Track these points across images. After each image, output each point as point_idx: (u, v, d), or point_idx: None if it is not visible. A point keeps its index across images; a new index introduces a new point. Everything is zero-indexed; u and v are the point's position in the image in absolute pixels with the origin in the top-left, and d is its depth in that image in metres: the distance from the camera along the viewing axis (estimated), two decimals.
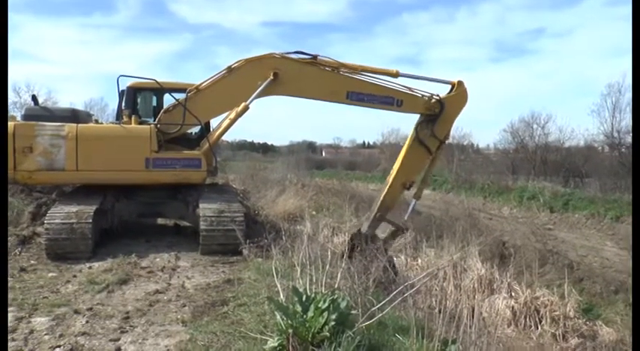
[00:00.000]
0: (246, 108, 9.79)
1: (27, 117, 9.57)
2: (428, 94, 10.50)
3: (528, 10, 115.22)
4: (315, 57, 10.08)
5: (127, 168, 9.32)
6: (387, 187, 10.98)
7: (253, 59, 9.99)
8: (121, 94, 10.97)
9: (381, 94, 10.44)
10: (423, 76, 10.69)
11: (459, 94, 10.65)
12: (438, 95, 10.46)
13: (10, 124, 8.92)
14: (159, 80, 10.25)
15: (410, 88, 10.48)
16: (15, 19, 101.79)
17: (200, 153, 9.82)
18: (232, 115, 9.89)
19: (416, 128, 10.69)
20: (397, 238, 11.49)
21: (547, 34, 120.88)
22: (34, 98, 11.27)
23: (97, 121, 11.85)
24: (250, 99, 9.82)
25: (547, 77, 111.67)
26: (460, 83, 10.61)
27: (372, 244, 9.72)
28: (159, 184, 9.80)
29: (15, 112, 42.20)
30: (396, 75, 10.35)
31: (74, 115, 9.97)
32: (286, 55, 10.03)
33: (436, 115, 10.43)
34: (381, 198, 10.92)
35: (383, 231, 10.87)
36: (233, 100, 9.84)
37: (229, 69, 9.95)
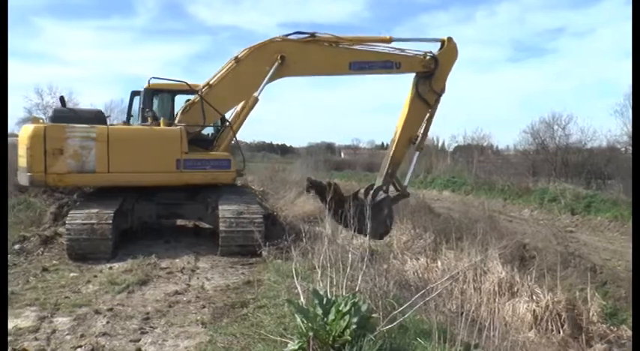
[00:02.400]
0: (256, 100, 10.30)
1: (55, 118, 9.40)
2: (422, 53, 11.47)
3: (547, 10, 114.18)
4: (313, 34, 10.67)
5: (158, 169, 9.39)
6: (395, 143, 11.84)
7: (257, 46, 10.35)
8: (131, 95, 11.17)
9: (380, 59, 11.28)
10: (414, 38, 11.82)
11: (449, 49, 11.71)
12: (431, 52, 11.47)
13: (41, 126, 8.94)
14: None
15: (404, 50, 11.41)
16: (37, 23, 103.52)
17: (229, 154, 10.13)
18: (244, 111, 10.31)
19: (415, 86, 11.65)
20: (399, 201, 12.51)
21: (567, 34, 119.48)
22: (62, 99, 11.20)
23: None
24: (261, 87, 10.26)
25: (567, 77, 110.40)
26: (450, 39, 11.64)
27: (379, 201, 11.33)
28: (188, 185, 9.83)
29: (38, 114, 42.86)
30: (389, 41, 11.26)
31: (101, 117, 9.93)
32: (287, 38, 10.57)
33: (432, 71, 11.44)
34: (391, 154, 11.84)
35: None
36: (245, 90, 10.24)
37: (236, 59, 10.27)
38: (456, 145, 50.49)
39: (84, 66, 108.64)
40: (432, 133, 62.29)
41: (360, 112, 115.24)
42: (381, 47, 11.29)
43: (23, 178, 9.05)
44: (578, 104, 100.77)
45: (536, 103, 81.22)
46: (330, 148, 75.48)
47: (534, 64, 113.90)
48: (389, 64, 11.42)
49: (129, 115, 11.81)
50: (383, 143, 74.19)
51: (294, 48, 10.59)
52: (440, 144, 52.69)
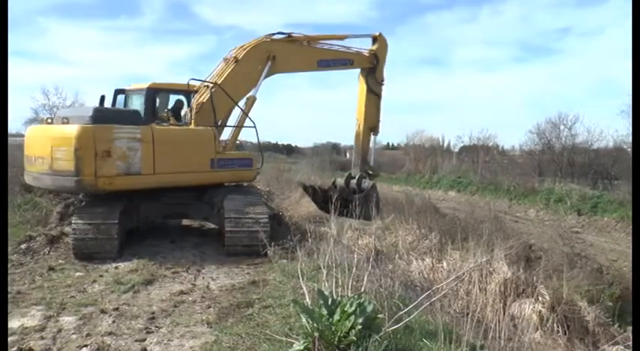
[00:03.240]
0: (254, 99, 11.11)
1: (96, 118, 8.73)
2: (366, 50, 13.69)
3: (554, 9, 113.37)
4: (290, 34, 11.95)
5: (196, 169, 9.55)
6: (360, 136, 14.29)
7: (253, 46, 11.09)
8: (115, 94, 11.17)
9: (340, 57, 13.30)
10: (352, 34, 13.83)
11: (382, 43, 14.08)
12: (372, 50, 13.81)
13: (89, 126, 8.47)
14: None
15: (348, 48, 13.50)
16: (43, 23, 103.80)
17: (250, 153, 10.97)
18: (246, 110, 10.97)
19: (366, 82, 13.95)
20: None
21: (573, 34, 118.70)
22: (102, 99, 11.02)
23: None
24: (257, 86, 11.17)
25: (573, 77, 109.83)
26: (380, 35, 13.99)
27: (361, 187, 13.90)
28: (218, 184, 10.17)
29: (44, 114, 43.02)
30: (343, 38, 13.27)
31: (137, 117, 9.68)
32: (274, 38, 11.66)
33: (375, 66, 13.84)
34: (360, 145, 14.38)
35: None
36: (245, 86, 11.05)
37: (235, 59, 10.94)
38: (462, 145, 50.29)
39: (90, 66, 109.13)
40: (437, 133, 62.38)
41: None
42: (337, 46, 13.10)
43: (63, 182, 8.60)
44: (584, 104, 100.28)
45: (542, 104, 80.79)
46: (335, 148, 75.24)
47: (540, 64, 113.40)
48: (346, 62, 13.48)
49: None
50: (388, 143, 74.06)
51: (281, 47, 11.68)
52: (445, 144, 52.63)
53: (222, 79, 10.75)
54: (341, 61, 13.35)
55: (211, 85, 10.48)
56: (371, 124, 14.32)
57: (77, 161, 8.29)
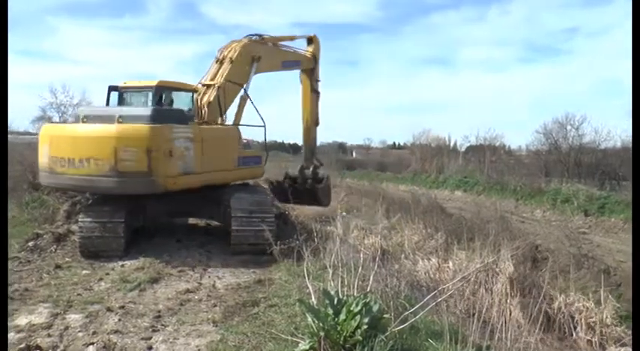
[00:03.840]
0: (247, 98, 11.29)
1: (155, 118, 8.62)
2: (307, 52, 14.19)
3: (561, 9, 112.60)
4: (262, 37, 12.40)
5: (226, 167, 9.75)
6: (308, 131, 15.17)
7: (242, 47, 11.33)
8: (109, 90, 11.02)
9: (296, 59, 13.86)
10: (298, 36, 14.42)
11: (317, 44, 14.57)
12: (310, 51, 14.34)
13: (158, 126, 8.46)
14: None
15: (296, 50, 14.00)
16: (51, 22, 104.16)
17: (259, 151, 11.46)
18: (240, 109, 11.21)
19: (308, 82, 14.53)
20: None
21: (580, 34, 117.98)
22: (160, 98, 10.72)
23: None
24: (247, 85, 11.43)
25: (581, 77, 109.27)
26: (315, 36, 14.50)
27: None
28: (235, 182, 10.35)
29: (52, 113, 43.15)
30: (294, 39, 13.92)
31: (183, 115, 9.62)
32: (254, 40, 12.05)
33: (314, 66, 14.45)
34: (309, 140, 15.36)
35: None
36: (237, 88, 11.25)
37: (230, 60, 11.13)
38: (468, 145, 50.20)
39: (97, 65, 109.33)
40: (443, 133, 62.26)
41: (372, 112, 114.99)
42: (294, 48, 13.81)
43: (132, 184, 8.35)
44: (592, 105, 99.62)
45: (548, 104, 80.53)
46: (341, 147, 75.25)
47: (547, 65, 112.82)
48: (298, 63, 14.05)
49: None
50: (395, 143, 74.09)
51: (263, 49, 12.11)
52: (452, 144, 52.50)
53: (223, 78, 10.88)
54: (296, 62, 14.03)
55: (219, 84, 10.55)
56: (315, 120, 15.13)
57: (151, 162, 8.21)
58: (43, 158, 9.00)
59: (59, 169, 8.66)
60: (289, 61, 13.67)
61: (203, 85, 10.68)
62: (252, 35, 12.13)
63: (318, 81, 14.85)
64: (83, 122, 8.76)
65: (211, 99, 10.31)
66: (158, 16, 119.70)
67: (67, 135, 8.91)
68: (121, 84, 10.86)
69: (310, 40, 14.57)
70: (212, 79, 10.83)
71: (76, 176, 8.49)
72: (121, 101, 10.56)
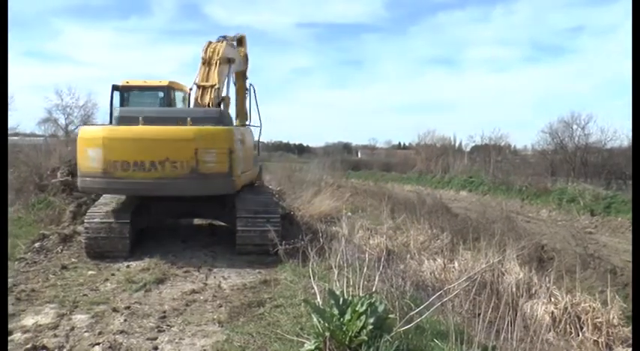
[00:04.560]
0: (229, 99, 11.32)
1: (221, 120, 8.92)
2: (240, 52, 13.33)
3: (567, 8, 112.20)
4: (225, 37, 11.97)
5: (249, 168, 9.91)
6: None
7: (223, 48, 11.06)
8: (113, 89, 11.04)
9: (243, 57, 13.30)
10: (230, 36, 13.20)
11: (246, 44, 13.69)
12: (243, 51, 13.49)
13: (232, 128, 8.89)
14: None
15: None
16: (56, 24, 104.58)
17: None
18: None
19: (242, 80, 13.79)
20: None
21: (586, 33, 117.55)
22: (222, 99, 10.85)
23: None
24: (227, 86, 11.22)
25: (587, 77, 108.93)
26: (244, 36, 13.52)
27: None
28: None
29: (57, 115, 43.25)
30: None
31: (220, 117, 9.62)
32: (228, 42, 11.78)
33: (246, 65, 13.75)
34: None
35: None
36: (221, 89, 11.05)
37: (218, 61, 10.86)
38: (474, 144, 50.11)
39: (102, 67, 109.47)
40: (448, 133, 61.99)
41: (377, 112, 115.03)
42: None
43: (214, 185, 8.47)
44: (598, 104, 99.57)
45: (554, 103, 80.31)
46: (347, 147, 75.34)
47: (553, 64, 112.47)
48: (240, 63, 13.28)
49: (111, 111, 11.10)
50: (400, 143, 74.05)
51: (232, 51, 11.89)
52: (457, 144, 52.41)
53: (218, 80, 10.79)
54: (241, 61, 13.62)
55: (217, 85, 10.59)
56: (245, 117, 14.56)
57: (231, 163, 8.42)
58: (92, 163, 8.48)
59: (119, 173, 8.35)
60: (236, 63, 13.07)
61: (199, 87, 10.60)
62: (222, 37, 11.88)
63: (246, 79, 14.52)
64: (143, 124, 8.49)
65: (213, 100, 10.32)
66: (163, 18, 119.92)
67: (131, 137, 8.45)
68: (122, 82, 10.81)
69: (240, 41, 13.92)
70: (206, 80, 10.75)
71: (145, 180, 8.31)
72: (126, 101, 10.54)
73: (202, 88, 10.53)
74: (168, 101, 10.58)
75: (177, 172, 8.23)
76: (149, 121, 8.48)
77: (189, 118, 8.55)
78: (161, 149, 8.27)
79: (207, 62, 10.95)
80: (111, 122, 10.10)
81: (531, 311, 9.10)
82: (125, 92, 10.64)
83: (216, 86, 10.45)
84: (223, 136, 8.53)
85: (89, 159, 8.47)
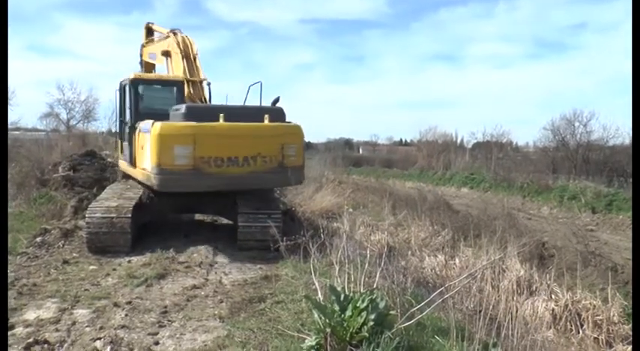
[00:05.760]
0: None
1: (284, 117, 9.53)
2: None
3: (568, 5, 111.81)
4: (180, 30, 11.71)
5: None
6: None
7: (190, 41, 11.10)
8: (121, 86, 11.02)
9: None
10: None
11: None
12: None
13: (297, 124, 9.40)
14: None
15: None
16: (57, 19, 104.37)
17: None
18: None
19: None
20: None
21: (589, 29, 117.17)
22: (276, 100, 10.56)
23: None
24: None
25: (589, 74, 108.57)
26: (173, 31, 12.05)
27: None
28: None
29: (59, 109, 43.22)
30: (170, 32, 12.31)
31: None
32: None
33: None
34: None
35: None
36: None
37: (194, 54, 10.97)
38: (475, 141, 50.12)
39: (104, 61, 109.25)
40: (450, 130, 62.01)
41: (379, 108, 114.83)
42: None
43: (293, 177, 9.01)
44: (600, 101, 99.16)
45: (556, 100, 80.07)
46: (348, 144, 75.16)
47: (555, 61, 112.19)
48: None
49: (123, 106, 11.09)
50: (402, 139, 73.97)
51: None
52: (458, 140, 52.37)
53: (200, 73, 10.85)
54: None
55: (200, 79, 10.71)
56: None
57: (303, 156, 9.48)
58: (179, 160, 8.40)
59: (212, 169, 8.52)
60: None
61: (188, 81, 10.59)
62: (178, 29, 11.71)
63: None
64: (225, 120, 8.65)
65: (205, 94, 10.38)
66: (164, 13, 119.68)
67: (223, 134, 8.67)
68: (135, 75, 10.61)
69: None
70: (190, 75, 10.71)
71: (239, 175, 8.70)
72: (140, 95, 10.31)
73: (192, 83, 10.51)
74: (182, 96, 10.51)
75: (267, 166, 8.84)
76: (234, 117, 8.72)
77: (267, 115, 9.06)
78: (254, 145, 8.80)
79: (184, 56, 10.85)
80: (133, 117, 10.07)
81: (532, 308, 9.11)
82: (139, 86, 10.42)
83: (207, 80, 10.43)
84: (299, 132, 9.35)
85: (175, 156, 8.39)
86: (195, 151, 8.39)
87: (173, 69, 11.14)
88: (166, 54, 11.42)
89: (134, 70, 11.41)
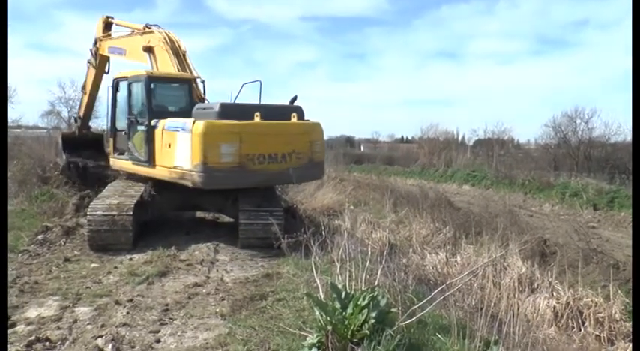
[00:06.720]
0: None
1: (303, 115, 9.76)
2: None
3: (570, 1, 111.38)
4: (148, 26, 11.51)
5: None
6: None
7: (177, 38, 11.01)
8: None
9: None
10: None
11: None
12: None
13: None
14: None
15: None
16: (58, 16, 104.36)
17: None
18: None
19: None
20: None
21: (591, 26, 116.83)
22: (294, 98, 10.40)
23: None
24: None
25: (591, 70, 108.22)
26: (148, 26, 11.71)
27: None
28: None
29: (60, 107, 43.27)
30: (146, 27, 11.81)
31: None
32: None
33: None
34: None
35: None
36: None
37: (177, 49, 10.81)
38: (476, 138, 50.04)
39: None
40: (451, 127, 61.97)
41: (380, 106, 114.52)
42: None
43: (317, 172, 9.96)
44: (602, 98, 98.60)
45: (558, 97, 79.75)
46: (349, 141, 75.00)
47: (557, 57, 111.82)
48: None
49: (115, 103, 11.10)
50: (403, 137, 73.88)
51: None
52: (460, 138, 52.33)
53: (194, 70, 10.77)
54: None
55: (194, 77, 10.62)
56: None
57: (324, 153, 10.13)
58: (224, 158, 8.51)
59: (256, 166, 8.79)
60: None
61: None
62: (155, 25, 11.50)
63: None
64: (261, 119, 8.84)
65: (200, 92, 10.37)
66: (166, 11, 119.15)
67: (264, 132, 8.94)
68: (147, 72, 10.19)
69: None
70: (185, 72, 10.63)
71: (278, 171, 9.08)
72: (151, 93, 9.92)
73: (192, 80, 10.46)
74: (192, 94, 10.46)
75: (300, 162, 9.32)
76: (268, 116, 8.95)
77: (294, 114, 9.41)
78: (289, 142, 9.23)
79: (174, 52, 10.64)
80: (149, 114, 9.85)
81: (533, 306, 9.11)
82: (151, 83, 10.17)
83: (200, 78, 10.40)
84: (321, 129, 9.95)
85: (221, 154, 8.50)
86: (240, 148, 8.59)
87: (158, 66, 10.74)
88: (148, 50, 11.00)
89: (135, 68, 11.18)
